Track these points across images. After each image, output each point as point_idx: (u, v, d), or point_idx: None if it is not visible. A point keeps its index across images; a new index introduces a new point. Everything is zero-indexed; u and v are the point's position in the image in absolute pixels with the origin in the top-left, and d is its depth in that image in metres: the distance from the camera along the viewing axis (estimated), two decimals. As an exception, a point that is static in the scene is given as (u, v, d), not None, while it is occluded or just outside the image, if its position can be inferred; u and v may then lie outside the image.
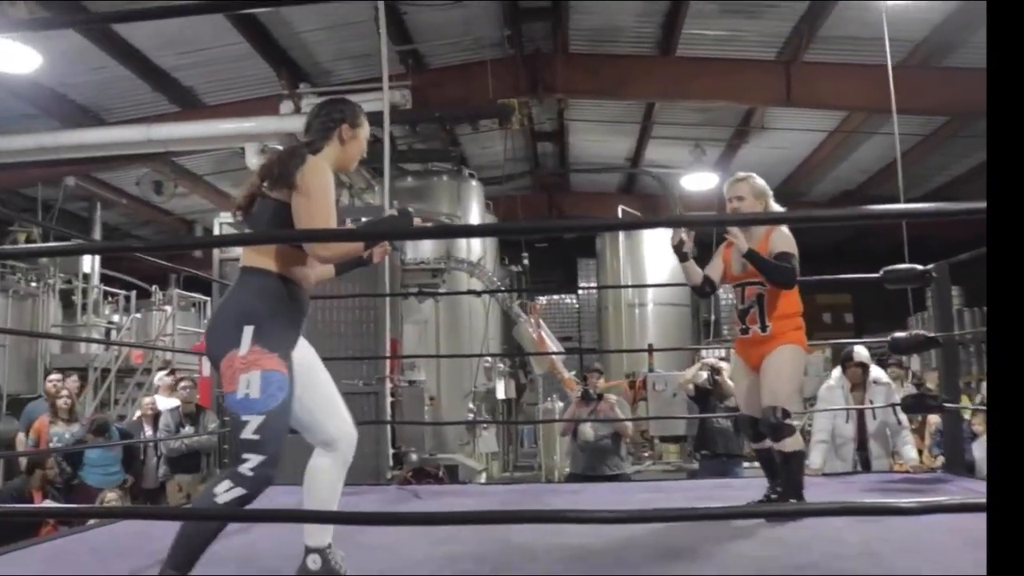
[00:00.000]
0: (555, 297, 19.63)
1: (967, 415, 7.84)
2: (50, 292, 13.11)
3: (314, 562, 2.80)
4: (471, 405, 10.96)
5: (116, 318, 14.80)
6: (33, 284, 12.90)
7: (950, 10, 8.98)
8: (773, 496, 4.13)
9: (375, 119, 6.99)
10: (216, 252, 8.67)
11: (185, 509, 3.30)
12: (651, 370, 10.38)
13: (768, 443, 4.09)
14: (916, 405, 5.70)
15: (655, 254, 13.90)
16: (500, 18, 9.98)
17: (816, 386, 7.71)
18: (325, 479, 2.86)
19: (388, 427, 7.00)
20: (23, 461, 7.56)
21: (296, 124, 9.94)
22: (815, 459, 6.19)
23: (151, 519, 3.88)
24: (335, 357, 4.83)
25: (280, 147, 10.05)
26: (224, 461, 7.23)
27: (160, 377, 9.67)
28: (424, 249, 11.22)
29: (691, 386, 7.78)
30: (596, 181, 16.25)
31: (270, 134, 10.18)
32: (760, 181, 4.15)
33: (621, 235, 14.50)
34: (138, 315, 14.41)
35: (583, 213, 16.17)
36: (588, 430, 7.35)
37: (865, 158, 13.59)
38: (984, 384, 8.88)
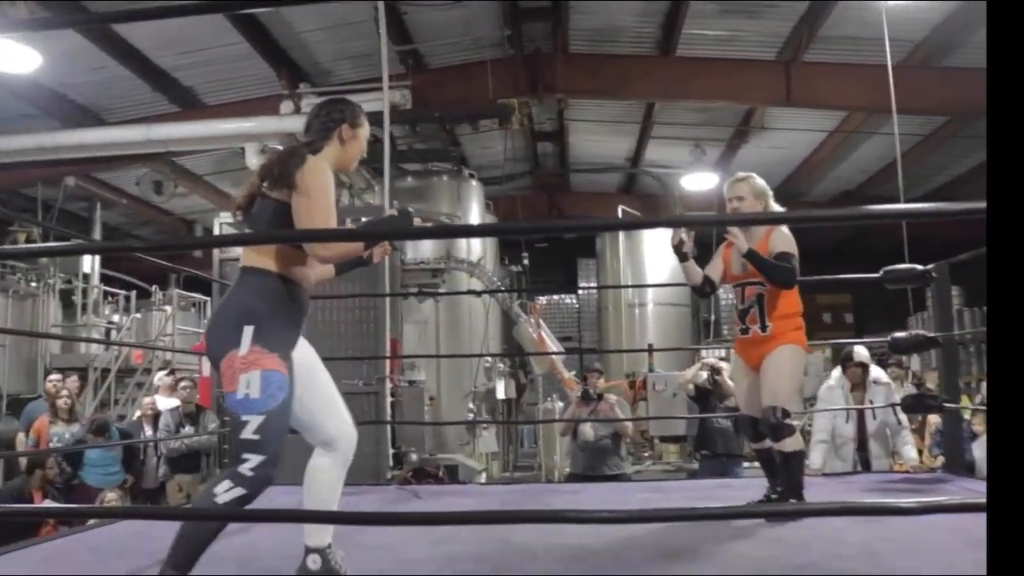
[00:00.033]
0: (555, 297, 19.62)
1: (967, 415, 7.84)
2: (50, 292, 13.11)
3: (314, 562, 2.80)
4: (471, 405, 10.96)
5: (116, 318, 14.80)
6: (33, 284, 12.91)
7: (950, 10, 8.98)
8: (773, 496, 4.13)
9: (375, 119, 6.99)
10: (216, 252, 8.67)
11: (185, 509, 3.30)
12: (651, 370, 10.38)
13: (768, 443, 4.09)
14: (916, 405, 5.70)
15: (655, 254, 13.90)
16: (500, 18, 9.98)
17: (816, 386, 7.72)
18: (325, 479, 2.86)
19: (388, 427, 7.00)
20: (23, 461, 7.56)
21: (296, 124, 9.93)
22: (815, 459, 6.19)
23: (151, 519, 3.88)
24: (335, 357, 4.83)
25: (280, 147, 10.05)
26: (224, 461, 7.23)
27: (160, 377, 9.68)
28: (424, 249, 11.22)
29: (691, 386, 7.78)
30: (596, 181, 16.25)
31: (270, 134, 10.18)
32: (760, 181, 4.15)
33: (621, 235, 14.50)
34: (138, 315, 14.41)
35: (583, 213, 16.17)
36: (588, 430, 7.35)
37: (865, 158, 13.59)
38: (984, 384, 8.87)
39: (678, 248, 4.09)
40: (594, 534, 3.49)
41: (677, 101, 11.70)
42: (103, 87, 10.60)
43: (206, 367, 9.08)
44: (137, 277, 14.99)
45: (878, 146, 12.54)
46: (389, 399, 7.10)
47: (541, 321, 11.60)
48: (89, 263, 13.76)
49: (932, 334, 5.38)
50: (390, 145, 8.53)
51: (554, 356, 11.17)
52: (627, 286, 14.65)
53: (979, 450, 7.99)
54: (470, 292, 10.01)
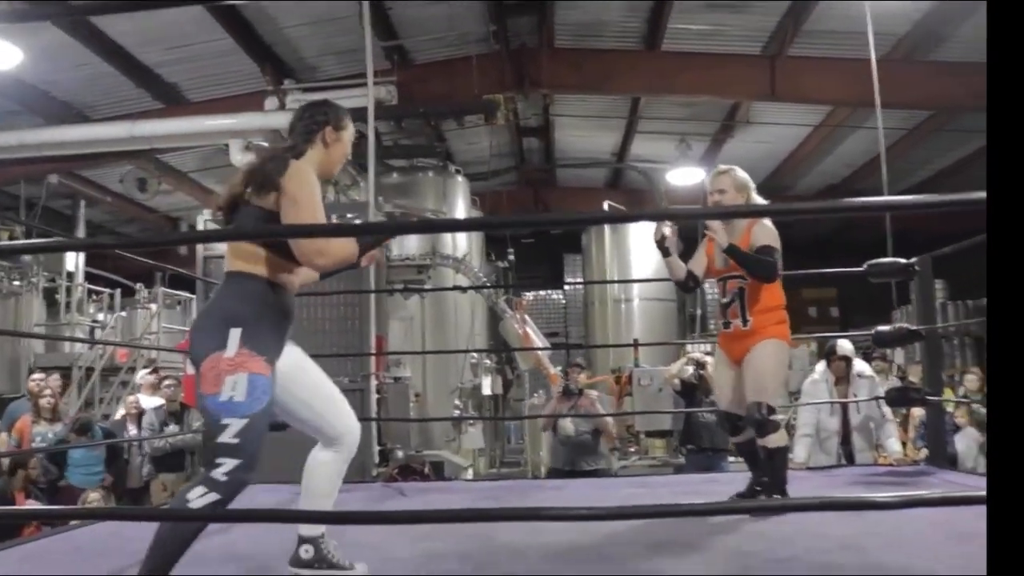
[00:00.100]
0: (541, 293, 19.62)
1: (950, 408, 7.88)
2: (34, 290, 13.03)
3: (306, 551, 2.85)
4: (457, 401, 10.95)
5: (101, 316, 14.72)
6: (16, 283, 12.82)
7: (933, 4, 9.02)
8: (757, 488, 4.14)
9: (360, 115, 6.98)
10: (200, 249, 8.62)
11: (164, 510, 3.28)
12: (637, 365, 10.38)
13: (747, 436, 4.10)
14: (900, 398, 5.73)
15: (641, 249, 13.90)
16: (485, 13, 9.96)
17: (801, 380, 7.74)
18: (325, 471, 2.89)
19: (374, 424, 6.98)
20: (5, 461, 7.50)
21: (281, 120, 9.90)
22: (799, 453, 6.20)
23: (128, 520, 3.85)
24: (320, 354, 4.80)
25: (265, 143, 10.05)
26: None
27: (142, 375, 9.61)
28: (409, 245, 11.19)
29: (677, 381, 7.79)
30: (582, 176, 16.26)
31: (255, 130, 10.14)
32: (742, 174, 4.14)
33: (607, 230, 14.49)
34: (123, 313, 14.33)
35: (569, 208, 16.18)
36: (568, 425, 7.33)
37: (850, 152, 13.64)
38: (967, 376, 8.92)
39: (661, 243, 4.09)
40: (579, 530, 3.49)
41: (662, 96, 11.71)
42: (86, 84, 10.54)
43: (191, 365, 9.03)
44: (122, 275, 14.92)
45: (862, 140, 12.58)
46: (375, 396, 7.09)
47: (527, 317, 11.60)
48: (73, 261, 13.69)
49: (915, 327, 5.40)
50: (375, 141, 8.50)
51: (540, 352, 11.17)
52: (613, 281, 14.65)
53: (962, 443, 8.04)
54: (456, 288, 9.97)
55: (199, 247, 7.81)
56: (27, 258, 12.88)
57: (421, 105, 10.71)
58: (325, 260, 2.72)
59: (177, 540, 2.47)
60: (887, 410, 6.22)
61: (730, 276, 4.06)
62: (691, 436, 7.54)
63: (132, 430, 8.16)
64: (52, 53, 9.36)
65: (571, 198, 16.46)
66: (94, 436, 7.79)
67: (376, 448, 7.09)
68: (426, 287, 10.54)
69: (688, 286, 4.31)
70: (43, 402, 7.99)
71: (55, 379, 8.98)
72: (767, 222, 4.02)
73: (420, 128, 11.61)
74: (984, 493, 1.76)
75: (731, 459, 7.47)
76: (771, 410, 3.90)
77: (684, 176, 13.74)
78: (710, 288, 12.99)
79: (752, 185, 4.15)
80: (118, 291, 14.56)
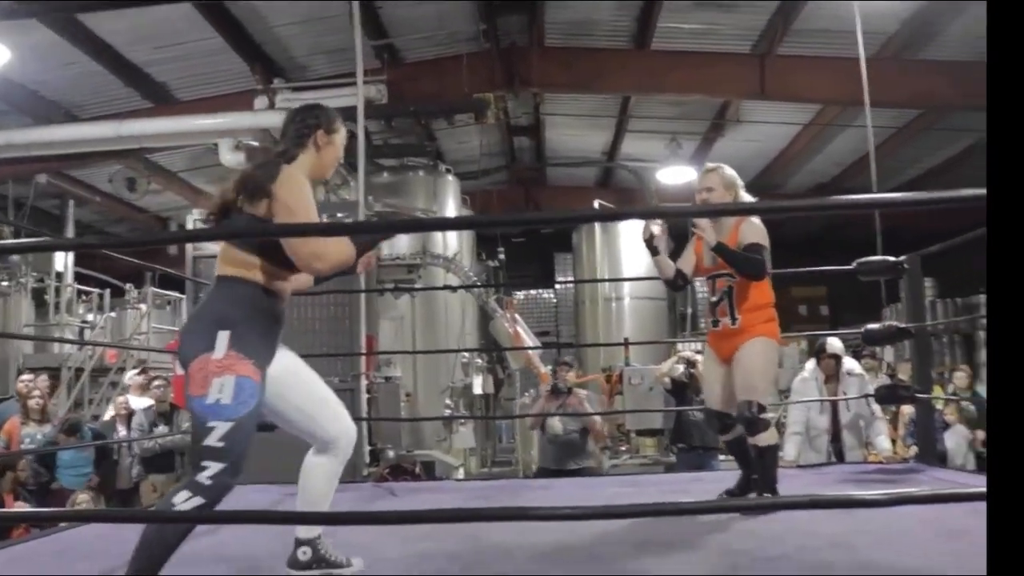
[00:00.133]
0: (532, 292, 19.61)
1: (939, 405, 7.91)
2: (22, 291, 12.97)
3: (304, 553, 2.86)
4: (448, 401, 10.94)
5: (90, 317, 14.67)
6: (4, 283, 12.76)
7: (922, 3, 9.04)
8: (746, 486, 4.14)
9: (350, 114, 6.96)
10: (189, 249, 8.58)
11: (153, 512, 3.26)
12: (627, 364, 10.39)
13: (735, 434, 4.10)
14: (889, 396, 5.74)
15: (632, 248, 13.90)
16: (475, 12, 9.95)
17: (791, 378, 7.76)
18: (321, 474, 2.89)
19: (364, 424, 6.97)
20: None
21: (270, 119, 9.87)
22: (790, 451, 6.22)
23: (116, 522, 3.83)
24: (311, 354, 4.80)
25: (255, 143, 10.02)
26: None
27: (130, 376, 9.58)
28: (400, 244, 11.18)
29: (667, 379, 7.79)
30: (573, 175, 16.26)
31: (244, 130, 10.11)
32: (730, 171, 4.14)
33: (597, 229, 14.47)
34: (112, 314, 14.28)
35: (560, 207, 16.18)
36: (556, 424, 7.32)
37: (839, 151, 13.67)
38: (956, 374, 8.96)
39: (649, 242, 4.08)
40: (568, 529, 3.49)
41: (652, 95, 11.72)
42: (75, 83, 10.49)
43: (180, 366, 8.99)
44: (111, 275, 14.87)
45: (852, 139, 12.61)
46: (365, 396, 7.07)
47: (517, 316, 11.59)
48: (62, 261, 13.62)
49: (905, 325, 5.41)
50: (365, 140, 8.48)
51: (531, 351, 11.17)
52: (603, 280, 14.64)
53: (951, 440, 8.08)
54: (446, 288, 9.96)
55: (189, 247, 7.79)
56: (15, 258, 12.82)
57: (411, 104, 10.69)
58: (322, 264, 2.71)
59: (163, 543, 2.45)
60: (877, 408, 6.24)
61: (719, 274, 4.05)
62: (682, 435, 7.54)
63: (122, 431, 8.14)
64: (40, 52, 9.32)
65: (562, 197, 16.45)
66: (83, 437, 7.77)
67: (367, 448, 7.08)
68: (416, 286, 10.53)
69: (677, 284, 4.30)
70: (32, 403, 7.95)
71: (43, 380, 8.95)
72: (755, 220, 4.01)
73: (410, 127, 11.60)
74: (977, 490, 1.76)
75: (722, 457, 7.47)
76: (761, 408, 3.91)
77: (675, 175, 13.74)
78: (701, 287, 13.01)
79: (740, 183, 4.14)
80: (107, 291, 14.51)
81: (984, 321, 11.88)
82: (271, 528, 3.38)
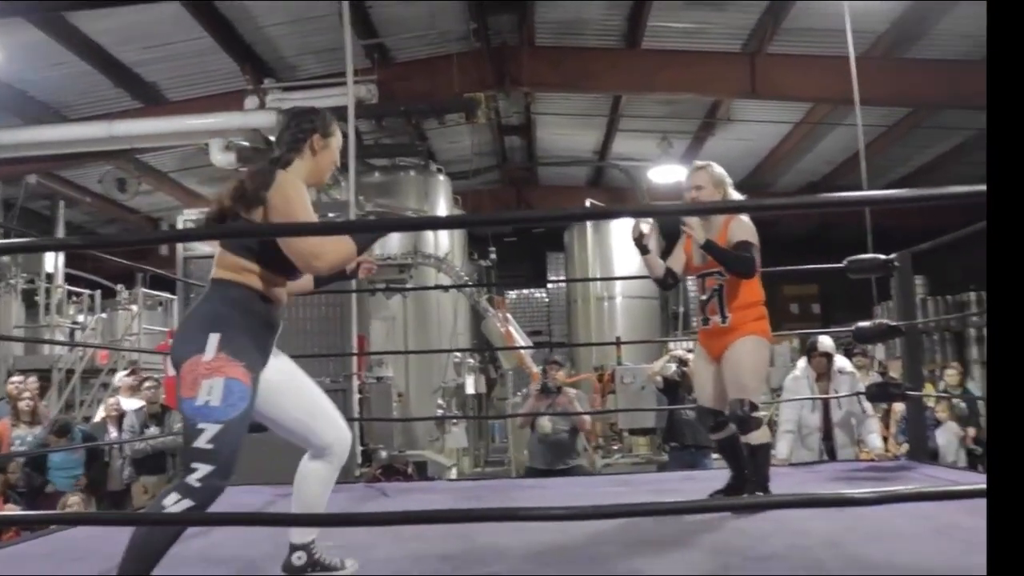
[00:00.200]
0: (524, 291, 19.62)
1: (931, 403, 7.93)
2: (12, 292, 12.91)
3: (299, 558, 2.85)
4: (440, 401, 10.93)
5: (81, 318, 14.61)
6: (-6, 285, 12.71)
7: (911, 2, 9.08)
8: (736, 484, 4.15)
9: (340, 114, 6.94)
10: (180, 249, 8.56)
11: (143, 514, 3.25)
12: (619, 363, 10.40)
13: (726, 432, 4.10)
14: (880, 393, 5.74)
15: (623, 247, 13.91)
16: (466, 11, 9.95)
17: (783, 376, 7.77)
18: (316, 478, 2.87)
19: (356, 424, 6.95)
20: (-16, 465, 7.44)
21: (261, 119, 9.86)
22: (782, 449, 6.23)
23: (105, 524, 3.82)
24: (302, 354, 4.80)
25: (245, 142, 10.01)
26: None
27: (120, 377, 9.53)
28: (391, 244, 11.17)
29: (659, 378, 7.79)
30: (564, 175, 16.28)
31: (235, 130, 10.09)
32: (719, 169, 4.14)
33: (589, 228, 14.50)
34: (103, 315, 14.23)
35: (551, 207, 16.19)
36: (546, 423, 7.31)
37: (830, 149, 13.72)
38: (947, 372, 9.00)
39: (639, 241, 4.08)
40: (560, 529, 3.48)
41: (643, 94, 11.74)
42: (64, 83, 10.46)
43: (171, 367, 8.97)
44: (102, 276, 14.81)
45: (842, 137, 12.65)
46: (357, 396, 7.07)
47: (509, 316, 11.60)
48: (52, 262, 13.57)
49: (896, 323, 5.43)
50: (356, 140, 8.47)
51: (523, 350, 11.17)
52: (595, 279, 14.65)
53: (942, 437, 8.11)
54: (438, 287, 9.96)
55: (179, 247, 7.77)
56: (5, 259, 12.75)
57: (402, 104, 10.68)
58: (321, 263, 2.69)
59: (153, 545, 2.44)
60: (868, 406, 6.26)
61: (708, 273, 4.05)
62: (674, 433, 7.54)
63: (113, 432, 8.10)
64: (29, 52, 9.29)
65: (553, 196, 16.47)
66: (74, 438, 7.73)
67: (359, 448, 7.07)
68: (408, 286, 10.53)
69: (667, 283, 4.30)
70: (22, 405, 7.92)
71: (33, 381, 8.89)
72: (744, 218, 4.01)
73: (401, 127, 11.59)
74: (969, 487, 1.77)
75: (714, 456, 7.48)
76: (753, 407, 3.90)
77: (666, 174, 13.77)
78: (692, 285, 13.04)
79: (729, 181, 4.14)
80: (98, 292, 14.45)
81: (974, 319, 11.93)
82: (263, 530, 3.37)
